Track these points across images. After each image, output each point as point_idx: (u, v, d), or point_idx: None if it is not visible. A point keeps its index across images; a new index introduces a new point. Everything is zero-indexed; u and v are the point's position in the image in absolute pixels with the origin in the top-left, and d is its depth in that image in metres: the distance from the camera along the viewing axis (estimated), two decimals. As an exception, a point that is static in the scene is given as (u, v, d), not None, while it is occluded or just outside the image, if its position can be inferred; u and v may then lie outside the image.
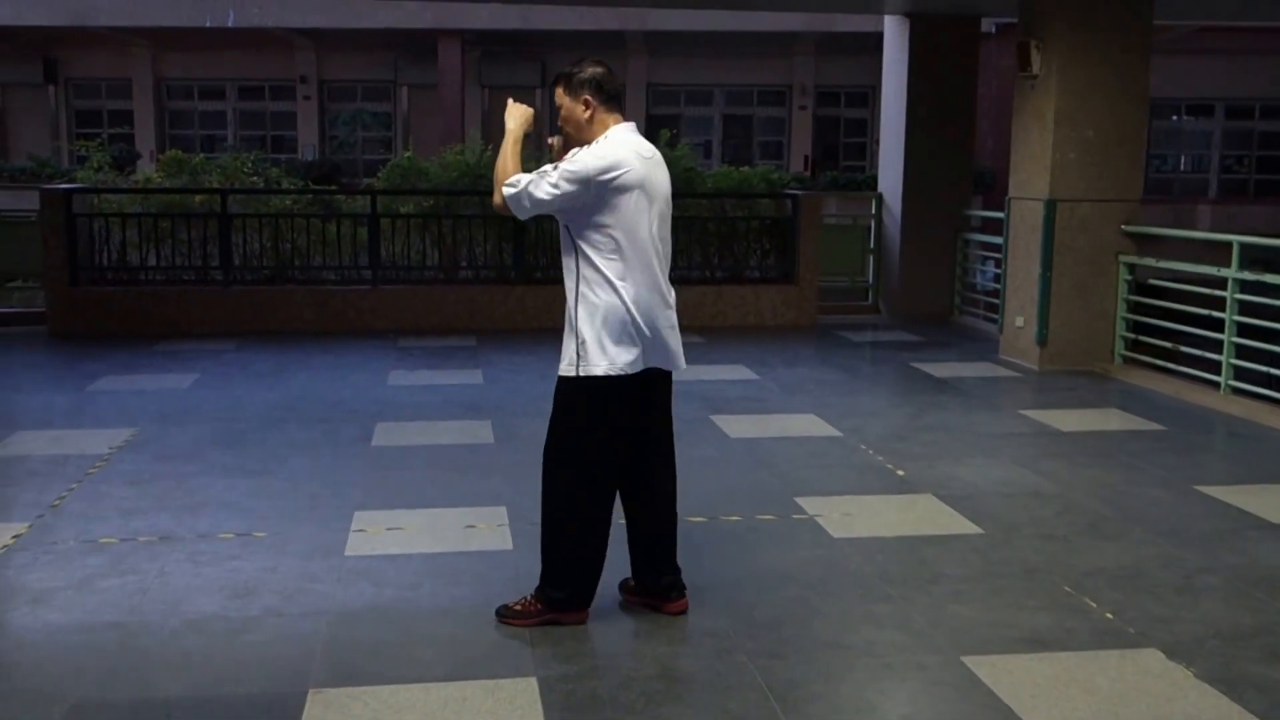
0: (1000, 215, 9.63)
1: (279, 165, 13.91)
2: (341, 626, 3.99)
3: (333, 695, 3.50)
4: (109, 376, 8.28)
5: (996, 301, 9.91)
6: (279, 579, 4.41)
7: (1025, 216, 8.99)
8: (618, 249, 3.82)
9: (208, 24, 20.19)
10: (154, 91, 23.07)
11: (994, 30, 19.20)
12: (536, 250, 10.83)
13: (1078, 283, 8.77)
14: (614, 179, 3.78)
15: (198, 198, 10.67)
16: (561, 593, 3.97)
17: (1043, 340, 8.83)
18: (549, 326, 10.47)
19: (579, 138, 3.92)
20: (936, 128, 11.39)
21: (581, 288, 3.86)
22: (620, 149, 3.83)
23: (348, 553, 4.70)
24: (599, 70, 3.91)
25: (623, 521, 4.13)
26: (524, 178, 3.87)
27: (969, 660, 3.74)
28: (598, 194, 3.78)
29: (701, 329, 10.56)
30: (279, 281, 10.52)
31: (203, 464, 6.01)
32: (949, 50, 11.36)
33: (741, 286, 10.98)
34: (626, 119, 3.96)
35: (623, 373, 3.86)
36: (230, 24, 20.18)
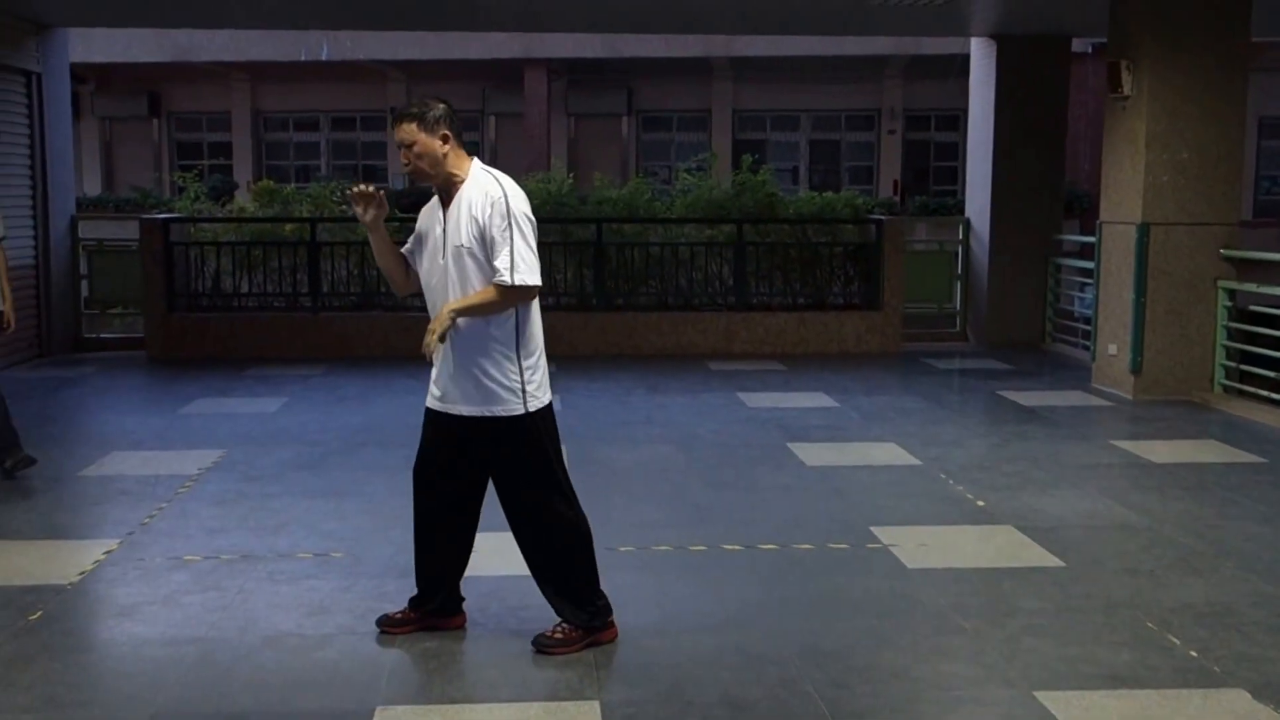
0: (1094, 240, 9.42)
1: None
2: (410, 646, 4.04)
3: (399, 713, 3.54)
4: (201, 399, 8.52)
5: (1090, 328, 9.68)
6: (353, 598, 4.47)
7: (1117, 241, 8.78)
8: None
9: (303, 57, 20.78)
10: (251, 123, 23.78)
11: (1090, 50, 18.84)
12: (618, 278, 10.89)
13: (1173, 309, 8.53)
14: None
15: (288, 226, 10.96)
16: (595, 618, 4.00)
17: (1136, 368, 8.59)
18: (629, 353, 10.53)
19: (433, 173, 3.89)
20: (1025, 151, 11.21)
21: (521, 319, 3.88)
22: (511, 180, 3.91)
23: (420, 574, 4.75)
24: (447, 105, 3.91)
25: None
26: (507, 261, 3.75)
27: (1043, 696, 3.63)
28: None
29: (782, 356, 10.50)
30: (365, 308, 10.75)
31: (286, 485, 6.14)
32: (1037, 72, 11.20)
33: (824, 313, 10.89)
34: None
35: (551, 399, 4.01)
36: (324, 57, 20.75)
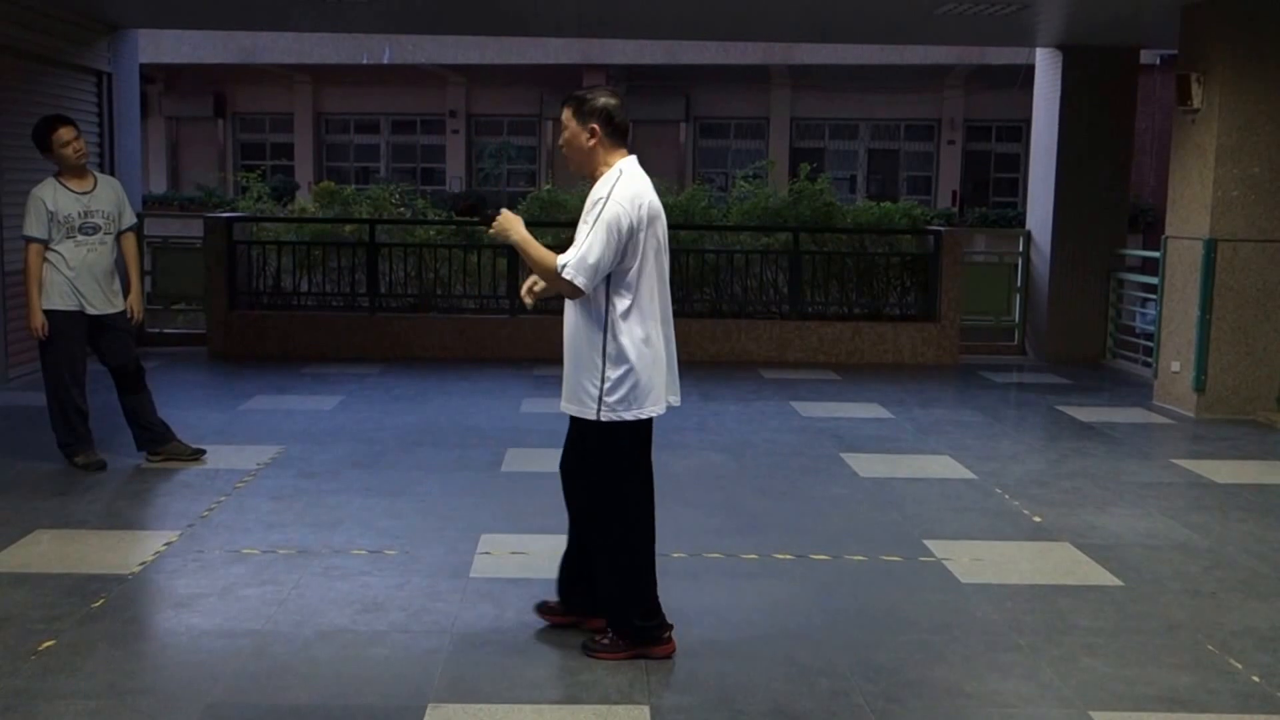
0: (1158, 255, 9.27)
1: (425, 196, 14.36)
2: (463, 645, 4.06)
3: (450, 710, 3.56)
4: (260, 396, 8.64)
5: (1152, 345, 9.53)
6: (406, 596, 4.51)
7: (1183, 256, 8.63)
8: (642, 285, 3.86)
9: (365, 61, 21.03)
10: (313, 125, 24.10)
11: (1158, 62, 18.56)
12: (672, 283, 10.85)
13: (1239, 326, 8.38)
14: (645, 216, 3.82)
15: (348, 227, 11.09)
16: (643, 633, 3.99)
17: (1200, 386, 8.44)
18: (682, 359, 10.46)
19: (577, 164, 3.92)
20: (1090, 163, 11.06)
21: (610, 329, 3.85)
22: (637, 182, 3.86)
23: (473, 574, 4.78)
24: (612, 101, 3.88)
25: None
26: (572, 254, 3.76)
27: (1098, 716, 3.58)
28: (635, 235, 3.81)
29: (837, 366, 10.44)
30: (422, 309, 10.83)
31: (342, 482, 6.21)
32: (1104, 83, 11.04)
33: (880, 324, 10.82)
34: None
35: (656, 413, 3.94)
36: (386, 61, 20.98)
